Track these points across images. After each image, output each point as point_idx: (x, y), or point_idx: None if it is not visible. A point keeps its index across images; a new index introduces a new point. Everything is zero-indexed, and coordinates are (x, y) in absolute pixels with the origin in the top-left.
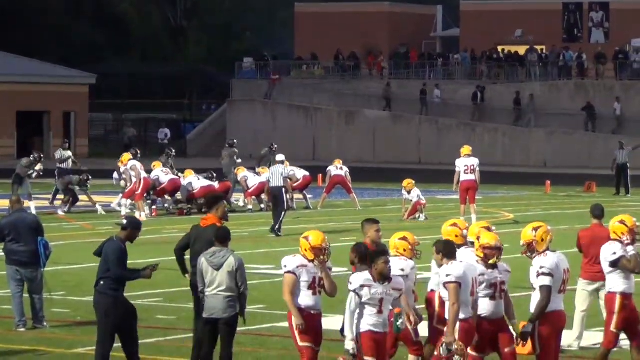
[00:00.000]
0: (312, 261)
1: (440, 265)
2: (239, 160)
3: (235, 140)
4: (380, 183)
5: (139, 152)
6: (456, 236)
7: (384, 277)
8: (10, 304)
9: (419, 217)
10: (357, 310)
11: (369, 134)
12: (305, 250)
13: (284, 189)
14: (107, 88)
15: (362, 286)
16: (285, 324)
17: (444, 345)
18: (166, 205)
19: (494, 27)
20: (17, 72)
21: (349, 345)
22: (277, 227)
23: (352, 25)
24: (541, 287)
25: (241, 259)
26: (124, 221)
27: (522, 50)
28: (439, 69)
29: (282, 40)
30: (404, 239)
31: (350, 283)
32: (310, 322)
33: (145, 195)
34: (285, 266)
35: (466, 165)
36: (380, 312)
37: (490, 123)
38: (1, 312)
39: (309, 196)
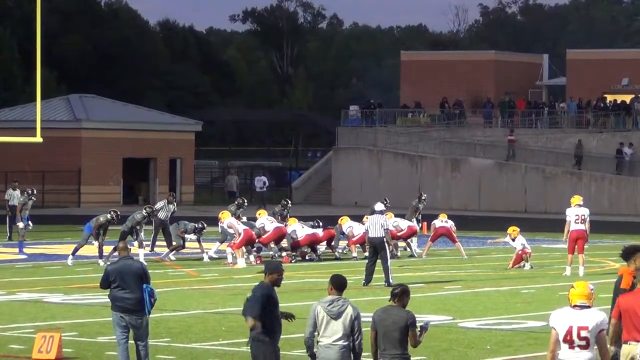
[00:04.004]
0: None
1: None
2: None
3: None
4: (485, 231)
5: (245, 201)
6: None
7: None
8: (116, 350)
9: (524, 265)
10: None
11: (474, 182)
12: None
13: (384, 240)
14: (213, 134)
15: None
16: None
17: None
18: (271, 252)
19: (600, 75)
20: (123, 119)
21: None
22: (389, 280)
23: (458, 74)
24: None
25: (358, 308)
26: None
27: (628, 98)
28: (545, 117)
29: (389, 87)
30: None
31: None
32: None
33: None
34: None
35: (577, 214)
36: None
37: (597, 172)
38: (107, 357)
39: (414, 245)
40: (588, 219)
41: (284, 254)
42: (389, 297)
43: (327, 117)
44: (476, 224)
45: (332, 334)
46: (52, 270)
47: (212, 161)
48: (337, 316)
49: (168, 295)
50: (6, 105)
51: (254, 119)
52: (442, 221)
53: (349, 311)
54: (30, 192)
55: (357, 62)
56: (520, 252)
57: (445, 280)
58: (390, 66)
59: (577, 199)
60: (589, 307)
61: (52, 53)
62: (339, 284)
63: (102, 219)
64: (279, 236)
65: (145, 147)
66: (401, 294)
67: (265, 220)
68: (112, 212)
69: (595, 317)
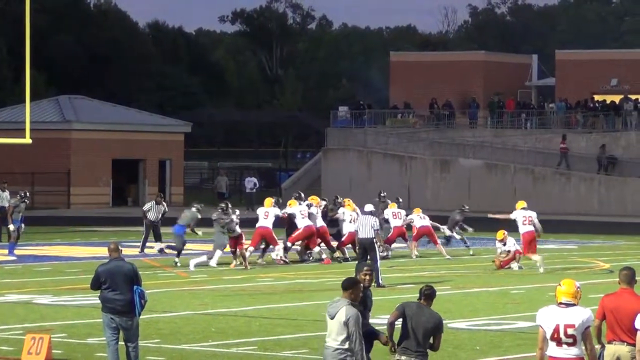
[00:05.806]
0: None
1: None
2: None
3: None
4: (475, 232)
5: (228, 205)
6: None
7: None
8: (106, 352)
9: (513, 266)
10: None
11: (463, 183)
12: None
13: (375, 240)
14: (203, 135)
15: None
16: None
17: None
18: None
19: (589, 76)
20: (113, 120)
21: None
22: (379, 280)
23: (447, 74)
24: None
25: (357, 311)
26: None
27: (617, 99)
28: (534, 118)
29: (378, 87)
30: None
31: None
32: None
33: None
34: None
35: (524, 216)
36: None
37: (586, 172)
38: (97, 359)
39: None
40: (536, 221)
41: (323, 255)
42: (418, 295)
43: (317, 118)
44: (465, 224)
45: (329, 334)
46: (42, 271)
47: (202, 162)
48: (332, 316)
49: (158, 297)
50: None
51: (243, 120)
52: (420, 217)
53: (342, 312)
54: (23, 194)
55: (346, 63)
56: (514, 251)
57: (434, 280)
58: (380, 67)
59: (522, 204)
60: (574, 304)
61: (42, 54)
62: (343, 285)
63: (199, 215)
64: (261, 237)
65: (134, 149)
66: (431, 294)
67: (261, 213)
68: (196, 205)
69: (581, 314)
